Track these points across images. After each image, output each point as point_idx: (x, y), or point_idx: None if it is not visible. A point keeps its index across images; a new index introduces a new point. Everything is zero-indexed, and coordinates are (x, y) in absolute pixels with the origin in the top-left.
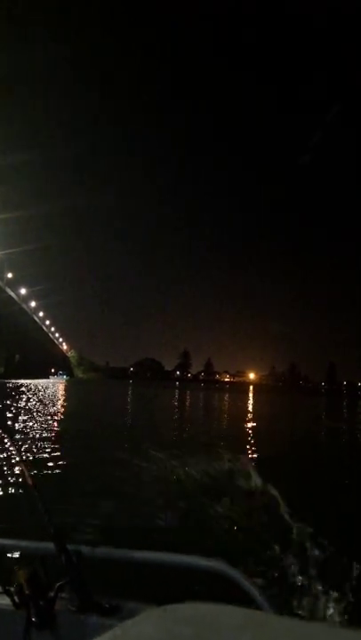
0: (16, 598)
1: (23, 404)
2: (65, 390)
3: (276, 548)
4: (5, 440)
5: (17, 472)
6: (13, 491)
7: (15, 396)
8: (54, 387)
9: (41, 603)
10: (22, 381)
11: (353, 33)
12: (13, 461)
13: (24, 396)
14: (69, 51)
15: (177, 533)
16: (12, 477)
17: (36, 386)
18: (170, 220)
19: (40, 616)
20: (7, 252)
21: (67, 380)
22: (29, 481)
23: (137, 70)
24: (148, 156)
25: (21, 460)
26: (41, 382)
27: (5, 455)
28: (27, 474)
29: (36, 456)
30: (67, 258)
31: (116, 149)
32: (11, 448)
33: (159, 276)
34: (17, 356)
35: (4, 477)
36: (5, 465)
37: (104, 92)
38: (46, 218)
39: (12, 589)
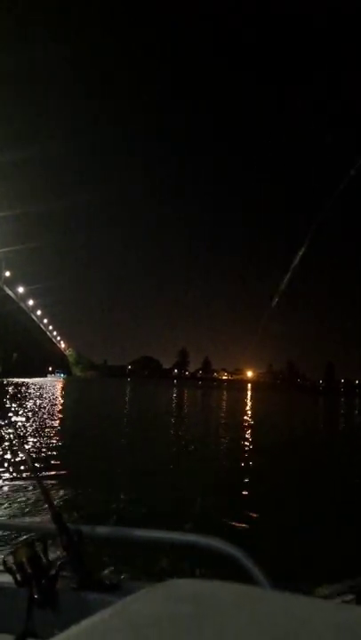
0: (18, 576)
1: (20, 402)
2: (63, 389)
3: (275, 524)
4: (5, 427)
5: (18, 456)
6: (14, 474)
7: (13, 394)
8: (52, 385)
9: (42, 581)
10: (20, 380)
11: (353, 33)
12: (14, 447)
13: (22, 395)
14: (69, 50)
15: (176, 511)
16: (13, 461)
17: (35, 384)
18: (169, 219)
19: (42, 594)
20: (5, 250)
21: (65, 379)
22: (29, 463)
23: (137, 70)
24: (149, 155)
25: (21, 445)
26: (39, 381)
27: (6, 441)
28: (26, 457)
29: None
30: (65, 257)
31: (117, 149)
32: (11, 434)
33: (158, 275)
34: (15, 355)
35: (6, 461)
36: (7, 450)
37: (104, 91)
38: (45, 216)
39: (14, 568)
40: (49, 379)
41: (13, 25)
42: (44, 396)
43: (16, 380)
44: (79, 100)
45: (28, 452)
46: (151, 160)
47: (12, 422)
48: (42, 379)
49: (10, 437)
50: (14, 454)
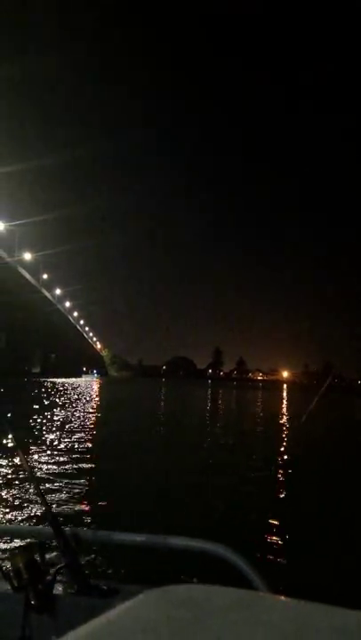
0: (15, 582)
1: (62, 400)
2: (100, 388)
3: (275, 529)
4: (3, 430)
5: (14, 460)
6: (11, 477)
7: (54, 393)
8: (89, 385)
9: (39, 586)
10: (58, 380)
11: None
12: (11, 449)
13: (64, 394)
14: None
15: (175, 516)
16: (9, 465)
17: (72, 384)
18: (200, 220)
19: (39, 599)
20: (43, 253)
21: (100, 379)
22: (26, 467)
23: (138, 70)
24: (181, 156)
25: (19, 448)
26: (75, 381)
27: (3, 444)
28: (24, 460)
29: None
30: (101, 258)
31: (149, 150)
32: (8, 437)
33: (192, 275)
34: (52, 356)
35: (2, 464)
36: (2, 453)
37: (133, 91)
38: (80, 219)
39: (11, 573)
40: (83, 379)
41: (13, 28)
42: (81, 394)
43: (54, 380)
44: (106, 101)
45: (24, 454)
46: (184, 160)
47: (9, 422)
48: (78, 379)
49: (6, 439)
50: (10, 456)
